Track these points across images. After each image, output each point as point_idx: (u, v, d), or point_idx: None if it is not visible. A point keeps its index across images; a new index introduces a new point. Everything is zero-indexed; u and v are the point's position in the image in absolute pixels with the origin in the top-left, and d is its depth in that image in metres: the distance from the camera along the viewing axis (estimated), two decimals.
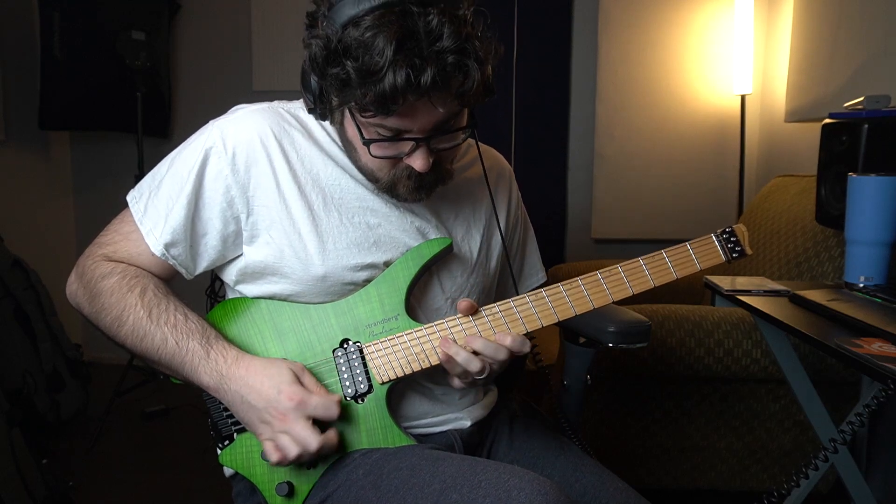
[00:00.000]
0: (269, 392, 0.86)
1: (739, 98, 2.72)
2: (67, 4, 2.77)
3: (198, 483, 2.09)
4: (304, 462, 0.88)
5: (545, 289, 0.93)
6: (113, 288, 0.91)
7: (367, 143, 0.85)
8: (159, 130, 3.06)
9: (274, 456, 0.85)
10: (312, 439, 0.84)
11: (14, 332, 2.34)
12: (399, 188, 0.91)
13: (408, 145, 0.86)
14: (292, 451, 0.84)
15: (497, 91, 0.90)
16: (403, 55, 0.75)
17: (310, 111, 0.91)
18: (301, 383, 0.88)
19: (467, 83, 0.80)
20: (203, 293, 1.02)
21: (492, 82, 0.87)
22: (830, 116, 1.51)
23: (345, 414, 0.92)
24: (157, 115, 3.01)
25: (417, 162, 0.86)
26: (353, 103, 0.81)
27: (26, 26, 2.94)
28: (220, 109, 0.99)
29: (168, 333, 0.89)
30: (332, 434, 0.88)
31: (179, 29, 3.13)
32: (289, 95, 1.03)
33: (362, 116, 0.82)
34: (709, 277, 1.33)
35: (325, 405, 0.86)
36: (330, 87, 0.82)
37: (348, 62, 0.77)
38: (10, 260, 2.40)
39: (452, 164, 0.94)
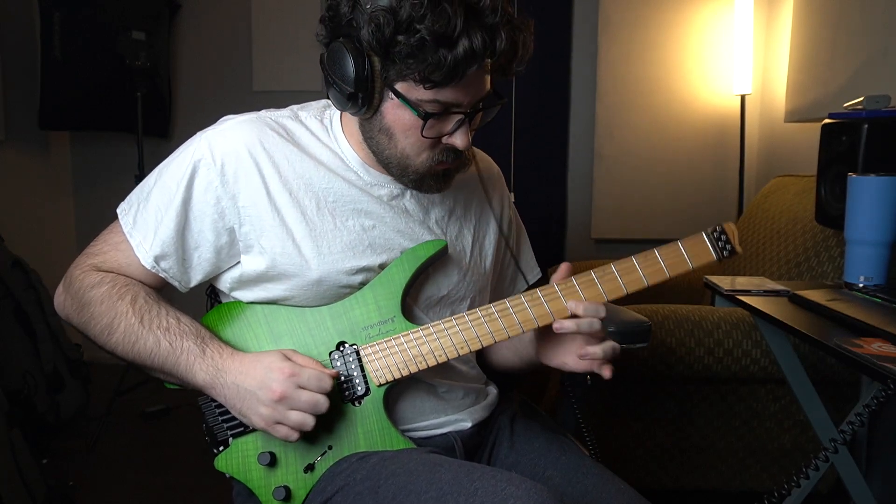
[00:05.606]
0: (260, 373, 0.86)
1: (739, 98, 2.72)
2: (67, 4, 2.78)
3: (198, 483, 2.09)
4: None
5: (540, 289, 0.93)
6: (103, 297, 0.92)
7: (425, 116, 0.85)
8: (159, 130, 3.06)
9: (293, 436, 0.86)
10: (320, 400, 0.85)
11: (14, 332, 2.34)
12: (427, 179, 0.92)
13: (451, 123, 0.87)
14: (308, 421, 0.86)
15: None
16: (473, 22, 0.79)
17: (349, 98, 0.87)
18: (291, 360, 0.88)
19: (522, 52, 0.87)
20: (203, 293, 1.02)
21: None
22: (830, 116, 1.51)
23: (342, 416, 0.92)
24: (157, 115, 3.01)
25: (460, 139, 0.88)
26: (415, 75, 0.81)
27: (26, 26, 2.94)
28: (220, 109, 0.99)
29: (161, 336, 0.89)
30: (331, 374, 0.88)
31: (179, 29, 3.13)
32: (289, 96, 1.03)
33: (424, 88, 0.82)
34: (709, 277, 1.33)
35: (318, 376, 0.86)
36: (396, 58, 0.81)
37: (422, 27, 0.78)
38: (10, 260, 2.40)
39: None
